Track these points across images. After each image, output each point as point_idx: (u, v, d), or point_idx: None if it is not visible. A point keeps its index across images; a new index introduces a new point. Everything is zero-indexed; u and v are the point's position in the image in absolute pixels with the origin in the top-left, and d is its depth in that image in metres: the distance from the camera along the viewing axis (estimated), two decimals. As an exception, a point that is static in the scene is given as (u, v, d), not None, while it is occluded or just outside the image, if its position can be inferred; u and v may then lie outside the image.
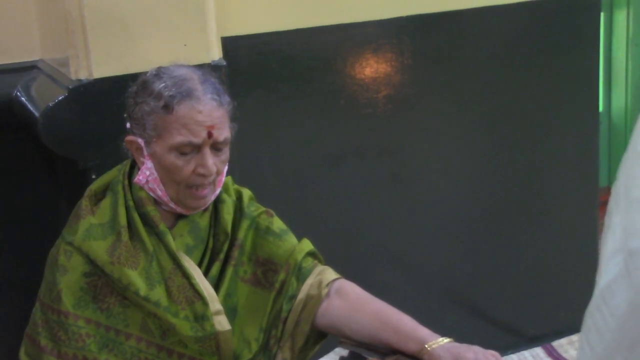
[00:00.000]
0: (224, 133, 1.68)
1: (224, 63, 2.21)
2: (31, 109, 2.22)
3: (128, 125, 1.73)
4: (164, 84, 1.66)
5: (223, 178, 1.76)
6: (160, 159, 1.67)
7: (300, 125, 2.54)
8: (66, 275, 1.66)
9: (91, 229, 1.69)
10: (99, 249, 1.66)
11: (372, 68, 2.57)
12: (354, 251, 2.68)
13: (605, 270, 0.93)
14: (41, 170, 2.47)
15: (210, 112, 1.66)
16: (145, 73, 1.74)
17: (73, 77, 2.11)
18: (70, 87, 2.07)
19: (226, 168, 1.76)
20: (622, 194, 0.93)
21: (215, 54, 2.20)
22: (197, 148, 1.66)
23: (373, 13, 2.54)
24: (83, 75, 2.08)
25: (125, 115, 1.75)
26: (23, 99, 2.32)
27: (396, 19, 2.58)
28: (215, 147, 1.69)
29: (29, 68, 2.46)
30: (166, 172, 1.68)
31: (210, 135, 1.65)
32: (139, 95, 1.70)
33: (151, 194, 1.72)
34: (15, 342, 1.75)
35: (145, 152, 1.69)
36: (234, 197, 1.83)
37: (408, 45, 2.61)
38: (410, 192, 2.74)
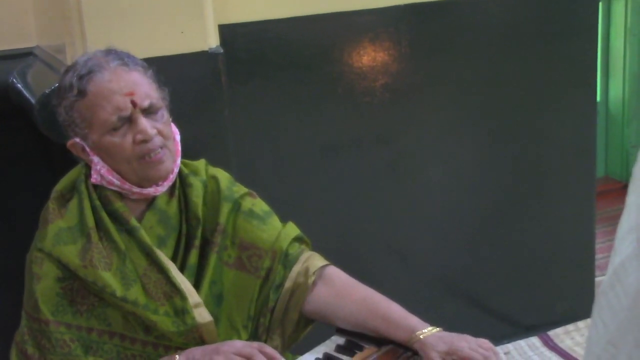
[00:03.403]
0: (146, 98, 1.64)
1: (221, 51, 2.20)
2: (27, 95, 2.22)
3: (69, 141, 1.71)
4: (71, 73, 1.65)
5: (178, 144, 1.73)
6: (100, 145, 1.65)
7: (298, 113, 2.53)
8: (40, 283, 1.63)
9: (60, 233, 1.65)
10: (70, 253, 1.63)
11: (369, 56, 2.57)
12: (350, 240, 2.68)
13: (619, 249, 0.93)
14: (37, 157, 2.46)
15: (121, 78, 1.63)
16: None
17: (69, 64, 2.10)
18: (66, 74, 2.06)
19: (178, 136, 1.73)
20: (638, 173, 0.93)
21: (213, 41, 2.20)
22: (128, 120, 1.63)
23: (371, 1, 2.53)
24: (79, 62, 2.07)
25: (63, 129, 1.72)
26: (19, 85, 2.31)
27: (394, 7, 2.57)
28: (148, 112, 1.65)
29: (25, 55, 2.45)
30: (111, 156, 1.65)
31: (134, 103, 1.62)
32: (57, 97, 1.68)
33: (111, 187, 1.68)
34: (12, 336, 1.73)
35: (87, 149, 1.67)
36: (204, 178, 1.80)
37: (406, 34, 2.60)
38: (408, 182, 2.74)
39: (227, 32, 2.30)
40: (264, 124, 2.49)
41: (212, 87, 2.19)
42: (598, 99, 3.34)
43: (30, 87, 2.25)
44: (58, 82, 1.70)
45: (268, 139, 2.51)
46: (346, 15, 2.51)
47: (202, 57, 2.16)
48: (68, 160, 2.15)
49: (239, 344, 1.64)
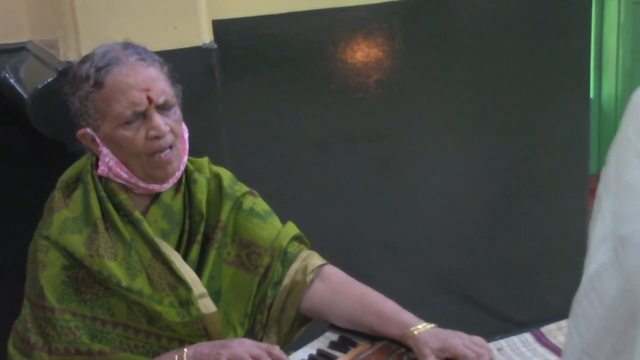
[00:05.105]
0: (162, 95, 1.65)
1: (215, 46, 2.20)
2: (20, 90, 2.21)
3: (79, 131, 1.70)
4: (88, 64, 1.65)
5: (186, 144, 1.74)
6: (111, 138, 1.65)
7: (291, 109, 2.53)
8: (46, 271, 1.63)
9: (66, 222, 1.66)
10: (76, 242, 1.64)
11: (363, 52, 2.56)
12: (344, 237, 2.68)
13: (594, 257, 0.92)
14: (30, 152, 2.45)
15: (138, 73, 1.63)
16: None
17: (62, 59, 2.09)
18: (59, 68, 2.06)
19: (187, 134, 1.74)
20: (612, 179, 0.92)
21: (206, 36, 2.19)
22: (142, 115, 1.64)
23: (365, -3, 2.54)
24: (72, 57, 2.07)
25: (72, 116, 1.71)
26: (11, 80, 2.30)
27: (388, 3, 2.57)
28: (162, 108, 1.66)
29: (17, 49, 2.44)
30: (122, 149, 1.66)
31: (150, 99, 1.63)
32: (72, 86, 1.68)
33: (118, 180, 1.69)
34: (7, 331, 1.73)
35: (98, 140, 1.67)
36: (208, 176, 1.81)
37: (399, 30, 2.60)
38: (401, 178, 2.74)
39: (221, 27, 2.30)
40: (257, 120, 2.49)
41: (206, 82, 2.19)
42: (591, 95, 3.34)
43: (23, 82, 2.24)
44: (73, 71, 1.69)
45: (261, 134, 2.51)
46: (340, 11, 2.51)
47: (195, 53, 2.15)
48: (60, 155, 2.14)
49: (248, 343, 1.64)
